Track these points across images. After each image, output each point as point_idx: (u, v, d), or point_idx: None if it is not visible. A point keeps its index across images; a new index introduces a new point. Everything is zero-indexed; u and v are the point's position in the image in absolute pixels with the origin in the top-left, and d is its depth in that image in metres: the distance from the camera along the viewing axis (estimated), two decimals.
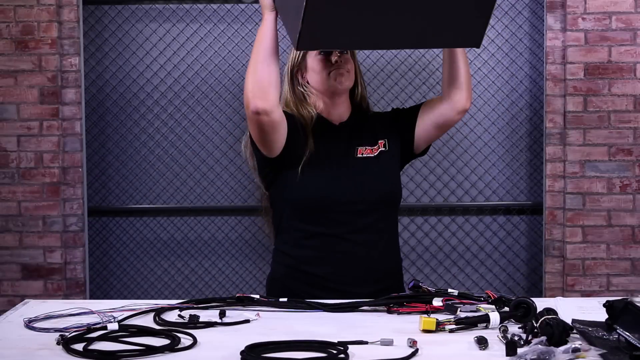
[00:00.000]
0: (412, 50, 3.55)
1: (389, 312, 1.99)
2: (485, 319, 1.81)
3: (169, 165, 3.63)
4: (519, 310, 1.82)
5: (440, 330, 1.79)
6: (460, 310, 1.93)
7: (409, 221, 3.59)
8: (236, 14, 3.58)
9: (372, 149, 2.44)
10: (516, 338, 1.66)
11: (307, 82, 2.45)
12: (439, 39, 2.24)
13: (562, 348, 1.56)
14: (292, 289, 2.32)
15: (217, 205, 3.62)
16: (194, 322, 1.87)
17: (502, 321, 1.80)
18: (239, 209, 3.63)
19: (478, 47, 2.22)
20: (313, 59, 2.43)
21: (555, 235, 3.43)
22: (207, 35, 3.59)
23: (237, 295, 2.07)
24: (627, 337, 1.60)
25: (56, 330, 1.82)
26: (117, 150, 3.63)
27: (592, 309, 1.95)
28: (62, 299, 3.34)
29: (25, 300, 2.16)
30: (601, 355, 1.59)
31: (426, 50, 3.54)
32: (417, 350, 1.65)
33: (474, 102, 3.53)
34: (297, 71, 2.46)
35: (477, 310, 1.92)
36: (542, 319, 1.69)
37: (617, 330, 1.64)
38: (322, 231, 2.36)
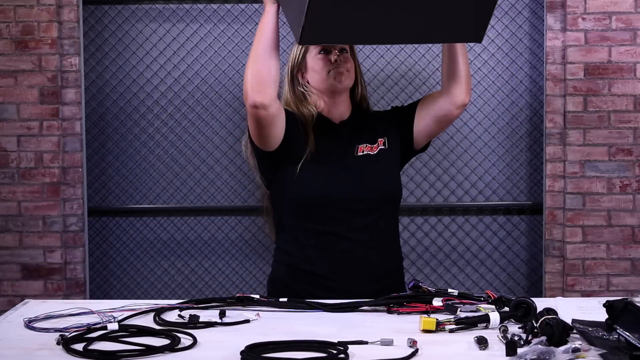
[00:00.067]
0: (412, 50, 3.55)
1: (389, 312, 1.99)
2: (485, 319, 1.81)
3: (169, 165, 3.63)
4: (519, 310, 1.82)
5: (440, 330, 1.79)
6: (460, 310, 1.93)
7: (409, 221, 3.59)
8: (236, 14, 3.58)
9: (372, 147, 2.44)
10: (516, 338, 1.66)
11: (308, 82, 2.45)
12: (441, 34, 2.24)
13: (562, 348, 1.56)
14: (292, 288, 2.32)
15: (217, 205, 3.63)
16: (194, 322, 1.87)
17: (502, 321, 1.80)
18: (239, 209, 3.63)
19: (480, 42, 2.22)
20: (313, 59, 2.43)
21: (555, 235, 3.43)
22: (207, 35, 3.59)
23: (237, 295, 2.07)
24: (627, 337, 1.60)
25: (56, 330, 1.82)
26: (117, 150, 3.63)
27: (592, 309, 1.95)
28: (62, 299, 3.34)
29: (25, 300, 2.16)
30: (601, 355, 1.59)
31: (426, 50, 3.54)
32: (417, 350, 1.64)
33: (474, 102, 3.53)
34: (297, 71, 2.46)
35: (477, 310, 1.92)
36: (542, 319, 1.69)
37: (617, 330, 1.64)
38: (321, 230, 2.36)
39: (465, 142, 3.58)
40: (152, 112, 3.60)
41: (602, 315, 1.72)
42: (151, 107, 3.60)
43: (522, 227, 3.60)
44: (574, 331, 1.70)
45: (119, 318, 1.90)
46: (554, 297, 2.36)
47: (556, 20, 3.39)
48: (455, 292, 2.02)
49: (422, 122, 2.47)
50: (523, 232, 3.60)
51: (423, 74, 3.56)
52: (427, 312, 1.94)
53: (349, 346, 1.65)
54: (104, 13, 3.59)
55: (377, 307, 2.02)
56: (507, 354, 1.60)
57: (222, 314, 1.94)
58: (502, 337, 1.71)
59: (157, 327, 1.85)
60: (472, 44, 3.50)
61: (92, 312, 1.95)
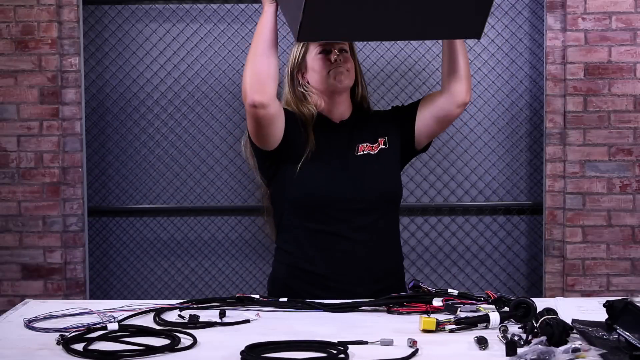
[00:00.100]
0: (412, 50, 3.55)
1: (389, 312, 1.99)
2: (485, 319, 1.81)
3: (169, 165, 3.63)
4: (519, 310, 1.82)
5: (440, 330, 1.79)
6: (460, 310, 1.92)
7: (409, 221, 3.59)
8: (236, 14, 3.58)
9: (372, 147, 2.44)
10: (516, 338, 1.66)
11: (308, 82, 2.45)
12: (439, 30, 2.24)
13: (562, 348, 1.56)
14: (293, 288, 2.32)
15: (217, 205, 3.62)
16: (194, 322, 1.87)
17: (502, 321, 1.80)
18: (239, 209, 3.63)
19: (479, 38, 2.22)
20: (313, 59, 2.43)
21: (555, 235, 3.43)
22: (207, 35, 3.59)
23: (237, 295, 2.07)
24: (627, 337, 1.60)
25: (56, 330, 1.82)
26: (117, 150, 3.63)
27: (592, 309, 1.95)
28: (62, 299, 3.34)
29: (25, 300, 2.16)
30: (601, 355, 1.59)
31: (426, 50, 3.54)
32: (417, 350, 1.64)
33: (474, 102, 3.53)
34: (297, 72, 2.47)
35: (477, 310, 1.92)
36: (542, 319, 1.69)
37: (617, 330, 1.64)
38: (321, 229, 2.36)
39: (465, 142, 3.58)
40: (152, 112, 3.60)
41: (602, 315, 1.72)
42: (151, 107, 3.60)
43: (522, 227, 3.60)
44: (574, 331, 1.70)
45: (119, 318, 1.90)
46: (554, 297, 2.36)
47: (556, 20, 3.39)
48: (455, 292, 2.02)
49: (423, 122, 2.47)
50: (523, 232, 3.60)
51: (423, 74, 3.56)
52: (427, 312, 1.93)
53: (349, 346, 1.65)
54: (104, 13, 3.59)
55: (377, 307, 2.02)
56: (507, 354, 1.60)
57: (222, 314, 1.94)
58: (502, 337, 1.71)
59: (157, 327, 1.85)
60: (472, 44, 3.50)
61: (92, 312, 1.95)
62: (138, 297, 3.60)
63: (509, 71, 3.55)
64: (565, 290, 3.39)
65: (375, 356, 1.62)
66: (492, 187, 3.59)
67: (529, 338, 1.67)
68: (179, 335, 1.75)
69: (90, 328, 1.81)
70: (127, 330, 1.81)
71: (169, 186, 3.63)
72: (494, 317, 1.81)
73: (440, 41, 3.16)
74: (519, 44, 3.55)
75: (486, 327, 1.80)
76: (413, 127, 2.47)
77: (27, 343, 1.75)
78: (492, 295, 1.98)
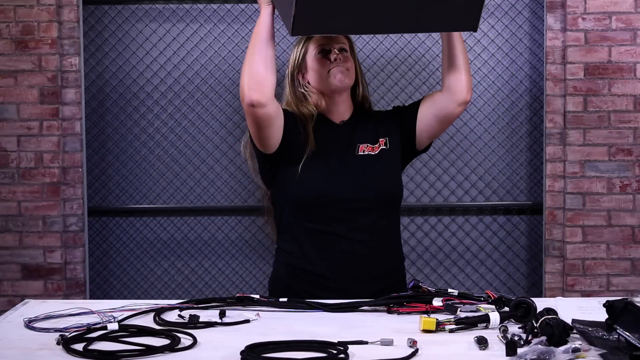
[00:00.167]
0: (412, 50, 3.55)
1: (389, 312, 1.99)
2: (485, 319, 1.81)
3: (169, 165, 3.63)
4: (519, 310, 1.82)
5: (440, 330, 1.79)
6: (460, 310, 1.93)
7: (409, 221, 3.59)
8: (236, 14, 3.58)
9: (373, 147, 2.44)
10: (516, 338, 1.66)
11: (308, 83, 2.46)
12: (434, 23, 2.25)
13: (562, 348, 1.56)
14: (293, 288, 2.33)
15: (217, 205, 3.62)
16: (194, 322, 1.87)
17: (502, 321, 1.80)
18: (239, 209, 3.63)
19: (475, 30, 2.23)
20: (312, 59, 2.43)
21: (555, 235, 3.43)
22: (207, 35, 3.59)
23: (237, 295, 2.07)
24: (627, 337, 1.60)
25: (56, 330, 1.82)
26: (117, 150, 3.63)
27: (592, 309, 1.95)
28: (62, 299, 3.34)
29: (25, 300, 2.16)
30: (601, 355, 1.59)
31: (426, 50, 3.54)
32: (417, 350, 1.65)
33: (474, 102, 3.53)
34: (297, 72, 2.47)
35: (477, 310, 1.92)
36: (542, 319, 1.69)
37: (617, 330, 1.64)
38: (322, 229, 2.36)
39: (465, 142, 3.58)
40: (152, 112, 3.60)
41: (602, 315, 1.73)
42: (151, 107, 3.60)
43: (522, 227, 3.60)
44: (574, 331, 1.70)
45: (119, 318, 1.90)
46: (554, 297, 2.36)
47: (556, 20, 3.39)
48: (455, 292, 2.02)
49: (424, 122, 2.47)
50: (523, 232, 3.60)
51: (423, 74, 3.56)
52: (427, 312, 1.94)
53: (349, 346, 1.65)
54: (104, 13, 3.59)
55: (377, 307, 2.02)
56: (507, 354, 1.60)
57: (222, 314, 1.94)
58: (502, 337, 1.71)
59: (157, 327, 1.85)
60: (472, 44, 3.50)
61: (92, 312, 1.95)
62: (138, 297, 3.60)
63: (509, 71, 3.55)
64: (565, 290, 3.39)
65: (375, 356, 1.62)
66: (492, 187, 3.59)
67: (529, 338, 1.67)
68: (179, 335, 1.76)
69: (90, 328, 1.81)
70: (127, 330, 1.82)
71: (169, 186, 3.63)
72: (494, 317, 1.81)
73: (440, 40, 3.16)
74: (519, 44, 3.54)
75: (486, 327, 1.80)
76: (414, 127, 2.47)
77: (27, 343, 1.75)
78: (492, 295, 1.98)
